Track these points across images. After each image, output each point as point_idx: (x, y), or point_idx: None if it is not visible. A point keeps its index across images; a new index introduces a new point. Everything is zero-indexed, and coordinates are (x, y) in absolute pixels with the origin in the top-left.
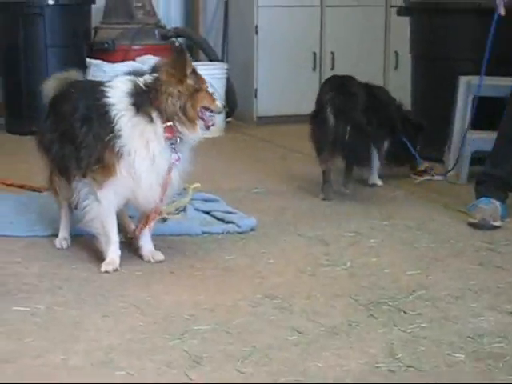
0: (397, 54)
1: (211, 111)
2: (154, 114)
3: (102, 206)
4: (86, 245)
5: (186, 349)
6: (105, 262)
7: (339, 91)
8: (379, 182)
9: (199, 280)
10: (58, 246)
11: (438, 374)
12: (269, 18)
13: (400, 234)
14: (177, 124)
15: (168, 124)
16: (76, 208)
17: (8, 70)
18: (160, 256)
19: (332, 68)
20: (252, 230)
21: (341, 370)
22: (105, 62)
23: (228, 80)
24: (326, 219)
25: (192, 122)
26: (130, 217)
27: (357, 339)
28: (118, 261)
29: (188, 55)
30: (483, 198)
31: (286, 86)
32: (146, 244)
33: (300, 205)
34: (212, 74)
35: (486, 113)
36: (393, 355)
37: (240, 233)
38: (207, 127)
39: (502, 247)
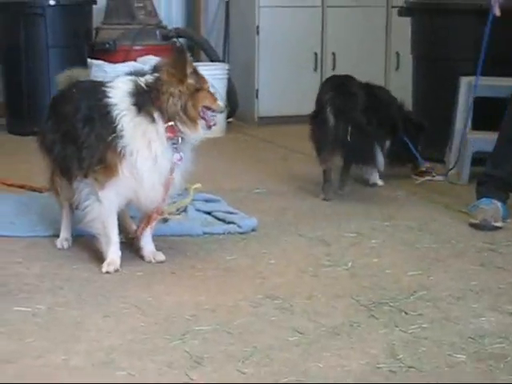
0: (398, 54)
1: (213, 111)
2: (156, 114)
3: (103, 207)
4: (87, 245)
5: (187, 349)
6: (105, 262)
7: (339, 91)
8: (380, 182)
9: (200, 280)
10: (59, 246)
11: (439, 374)
12: (270, 19)
13: (401, 234)
14: (178, 124)
15: (170, 124)
16: (77, 208)
17: (9, 70)
18: (161, 256)
19: (333, 68)
20: (253, 230)
21: (342, 370)
22: (106, 63)
23: (229, 80)
24: (327, 219)
25: (193, 121)
26: (131, 217)
27: (358, 340)
28: (118, 261)
29: (188, 55)
30: (484, 199)
31: (287, 87)
32: (147, 244)
33: (301, 205)
34: (213, 75)
35: (487, 113)
36: (394, 356)
37: (241, 233)
38: (209, 127)
39: (503, 248)
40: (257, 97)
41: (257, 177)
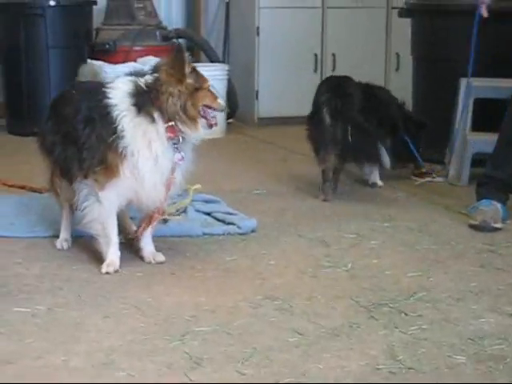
0: (398, 55)
1: (213, 109)
2: (156, 114)
3: (103, 207)
4: (87, 246)
5: (186, 350)
6: (105, 263)
7: (335, 92)
8: (380, 183)
9: (200, 281)
10: (58, 247)
11: (438, 375)
12: (270, 20)
13: (401, 235)
14: (178, 123)
15: (170, 124)
16: (77, 209)
17: (9, 70)
18: (161, 257)
19: (333, 69)
20: (253, 231)
21: (341, 371)
22: (106, 63)
23: (229, 81)
24: (327, 220)
25: (193, 120)
26: (131, 218)
27: (357, 341)
28: (118, 262)
29: (186, 54)
30: (484, 200)
31: (287, 88)
32: (147, 245)
33: (301, 206)
34: (213, 76)
35: (487, 114)
36: (393, 357)
37: (241, 234)
38: (210, 126)
39: (502, 249)
40: (257, 98)
41: (256, 178)
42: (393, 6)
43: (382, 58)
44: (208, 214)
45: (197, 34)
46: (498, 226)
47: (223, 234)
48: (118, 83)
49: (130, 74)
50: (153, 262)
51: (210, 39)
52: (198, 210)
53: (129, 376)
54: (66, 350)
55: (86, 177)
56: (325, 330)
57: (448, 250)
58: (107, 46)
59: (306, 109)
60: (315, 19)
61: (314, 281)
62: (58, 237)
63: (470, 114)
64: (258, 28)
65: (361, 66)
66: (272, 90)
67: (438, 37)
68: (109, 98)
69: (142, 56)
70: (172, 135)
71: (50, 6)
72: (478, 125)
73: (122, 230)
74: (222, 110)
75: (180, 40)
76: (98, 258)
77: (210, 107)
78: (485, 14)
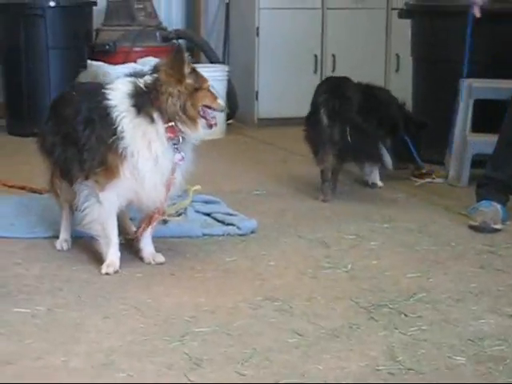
0: (398, 56)
1: (213, 110)
2: (155, 115)
3: (103, 208)
4: (87, 247)
5: (186, 351)
6: (105, 263)
7: (333, 93)
8: (380, 183)
9: (200, 282)
10: (58, 247)
11: (438, 376)
12: (270, 20)
13: (401, 236)
14: (178, 124)
15: (170, 124)
16: (77, 210)
17: (9, 71)
18: (160, 258)
19: (333, 70)
20: (252, 232)
21: (341, 372)
22: (106, 64)
23: (229, 82)
24: (327, 221)
25: (193, 120)
26: (131, 219)
27: (357, 342)
28: (118, 263)
29: (186, 55)
30: (484, 201)
31: (286, 89)
32: (147, 246)
33: (300, 207)
34: (213, 76)
35: (487, 116)
36: (393, 358)
37: (240, 235)
38: (210, 126)
39: (502, 250)
40: (257, 98)
41: (256, 178)
42: (393, 7)
43: (382, 58)
44: (208, 214)
45: (197, 34)
46: (498, 227)
47: (223, 235)
48: (118, 84)
49: (130, 75)
50: (152, 262)
51: (209, 40)
52: (197, 211)
53: (128, 377)
54: (65, 351)
55: (86, 178)
56: (324, 331)
57: (448, 250)
58: (107, 47)
59: (306, 110)
60: (315, 20)
61: (313, 282)
62: (57, 237)
63: (469, 115)
64: (257, 29)
65: (361, 66)
66: (272, 90)
67: (438, 38)
68: (108, 99)
69: (142, 57)
70: (172, 135)
71: (49, 7)
72: (478, 126)
73: (121, 230)
74: (221, 111)
75: (180, 41)
76: (97, 259)
77: (209, 107)
78: (477, 14)
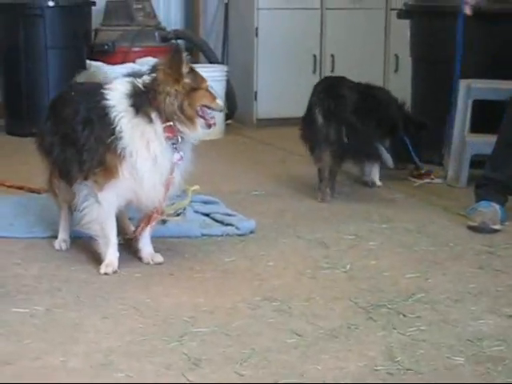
0: (397, 56)
1: (212, 109)
2: (154, 115)
3: (102, 208)
4: (85, 247)
5: (185, 351)
6: (104, 263)
7: (328, 93)
8: (378, 182)
9: (198, 282)
10: (57, 247)
11: (437, 377)
12: (269, 21)
13: (399, 236)
14: (176, 123)
15: (168, 124)
16: (76, 210)
17: (8, 70)
18: (159, 258)
19: (332, 70)
20: (251, 232)
21: (340, 372)
22: (105, 64)
23: (228, 82)
24: (326, 222)
25: (191, 120)
26: (130, 219)
27: (356, 342)
28: (116, 263)
29: (184, 54)
30: (483, 202)
31: (285, 89)
32: (146, 246)
33: (299, 207)
34: (212, 77)
35: (486, 116)
36: (392, 358)
37: (239, 235)
38: (208, 125)
39: (501, 250)
40: (255, 99)
41: (255, 179)
42: (391, 8)
43: (381, 59)
44: (207, 214)
45: (196, 34)
46: (497, 227)
47: (222, 235)
48: (116, 84)
49: (128, 75)
50: (151, 262)
51: (208, 40)
52: (196, 211)
53: (127, 377)
54: (64, 351)
55: (85, 178)
56: (323, 331)
57: (446, 251)
58: (106, 47)
59: (304, 110)
60: (314, 20)
61: (312, 282)
62: (56, 237)
63: (468, 116)
64: (256, 29)
65: (360, 67)
66: (271, 90)
67: (437, 38)
68: (107, 99)
69: (140, 57)
70: (170, 135)
71: (49, 7)
72: (477, 126)
73: (120, 230)
74: (220, 110)
75: (179, 41)
76: (96, 259)
77: (208, 107)
78: (468, 12)
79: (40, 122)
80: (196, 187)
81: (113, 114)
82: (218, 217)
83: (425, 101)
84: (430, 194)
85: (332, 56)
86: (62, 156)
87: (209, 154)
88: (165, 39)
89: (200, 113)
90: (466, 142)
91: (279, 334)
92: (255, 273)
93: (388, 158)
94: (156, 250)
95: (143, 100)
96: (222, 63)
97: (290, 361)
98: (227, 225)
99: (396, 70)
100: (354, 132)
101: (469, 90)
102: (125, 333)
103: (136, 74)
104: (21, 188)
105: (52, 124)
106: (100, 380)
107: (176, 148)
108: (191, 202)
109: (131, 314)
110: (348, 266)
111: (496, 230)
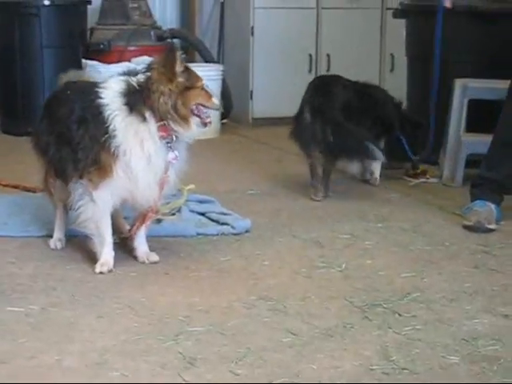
0: (392, 56)
1: (207, 108)
2: (147, 113)
3: (97, 207)
4: (81, 246)
5: (180, 350)
6: (99, 262)
7: (318, 91)
8: (376, 175)
9: (194, 281)
10: (52, 246)
11: (432, 376)
12: (265, 20)
13: (395, 236)
14: (171, 122)
15: (162, 123)
16: (72, 209)
17: (3, 70)
18: (155, 257)
19: (328, 70)
20: (247, 231)
21: (335, 371)
22: (100, 63)
23: (224, 81)
24: (321, 221)
25: (185, 119)
26: (125, 218)
27: (351, 341)
28: (112, 262)
29: (178, 53)
30: (478, 201)
31: (281, 88)
32: (141, 245)
33: (295, 206)
34: (207, 76)
35: (482, 115)
36: (387, 357)
37: (235, 234)
38: (204, 124)
39: (496, 250)
40: (251, 98)
41: (251, 178)
42: (387, 7)
43: (377, 58)
44: (202, 214)
45: (191, 34)
46: (492, 227)
47: (217, 235)
48: (111, 83)
49: (123, 74)
50: (147, 261)
51: (204, 39)
52: (192, 210)
53: (122, 376)
54: (59, 350)
55: (80, 177)
56: (319, 331)
57: (442, 250)
58: (102, 46)
59: None
60: (310, 20)
61: (308, 281)
62: (51, 236)
63: (464, 115)
64: (252, 28)
65: (355, 66)
66: (266, 90)
67: (433, 37)
68: (101, 97)
69: (136, 56)
70: (164, 134)
71: (44, 6)
72: (473, 126)
73: (115, 229)
74: (216, 109)
75: (175, 40)
76: (91, 258)
77: (203, 106)
78: (448, 4)
79: (35, 121)
80: (191, 186)
81: (107, 113)
82: (213, 216)
83: (420, 100)
84: (426, 193)
85: (328, 55)
86: (58, 155)
87: (204, 153)
88: (160, 38)
89: (195, 111)
90: (462, 141)
91: (274, 334)
92: (250, 272)
93: (378, 153)
94: (151, 249)
95: (137, 99)
96: (218, 62)
97: (285, 360)
98: (223, 224)
99: (392, 70)
100: (340, 130)
101: (464, 90)
102: (120, 332)
103: (131, 73)
104: (16, 187)
105: (47, 123)
106: (95, 379)
107: (170, 147)
108: (187, 201)
109: (126, 313)
110: (343, 266)
111: (491, 230)
